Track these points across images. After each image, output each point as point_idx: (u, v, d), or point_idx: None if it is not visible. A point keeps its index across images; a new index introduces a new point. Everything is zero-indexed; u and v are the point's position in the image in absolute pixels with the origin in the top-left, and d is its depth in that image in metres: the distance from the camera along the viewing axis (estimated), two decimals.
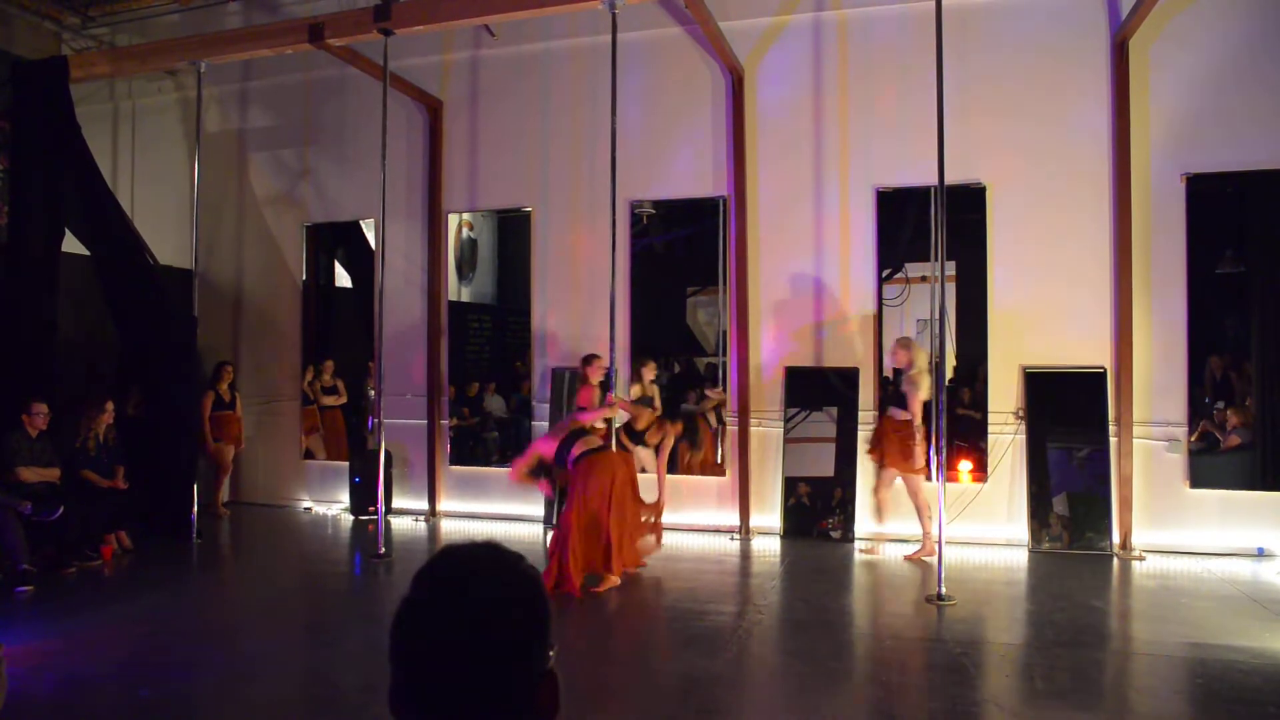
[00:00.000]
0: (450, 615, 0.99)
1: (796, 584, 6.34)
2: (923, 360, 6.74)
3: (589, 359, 7.06)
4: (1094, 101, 7.25)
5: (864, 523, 7.59)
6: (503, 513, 8.56)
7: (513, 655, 1.00)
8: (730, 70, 7.97)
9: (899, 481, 6.87)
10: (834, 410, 7.80)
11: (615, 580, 6.04)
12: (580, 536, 5.95)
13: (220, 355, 9.37)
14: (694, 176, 8.28)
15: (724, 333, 8.26)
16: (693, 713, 3.98)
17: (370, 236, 9.60)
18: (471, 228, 10.71)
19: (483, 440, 9.83)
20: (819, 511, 7.71)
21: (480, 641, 0.98)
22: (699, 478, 8.19)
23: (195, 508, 7.68)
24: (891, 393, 7.24)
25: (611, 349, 6.66)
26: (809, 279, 7.92)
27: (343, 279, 10.60)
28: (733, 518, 7.96)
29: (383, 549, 7.01)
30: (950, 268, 7.88)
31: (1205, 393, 7.50)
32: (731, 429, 8.04)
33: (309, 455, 9.57)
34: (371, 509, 8.50)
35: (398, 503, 8.98)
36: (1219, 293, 7.58)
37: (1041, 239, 7.36)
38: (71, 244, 8.13)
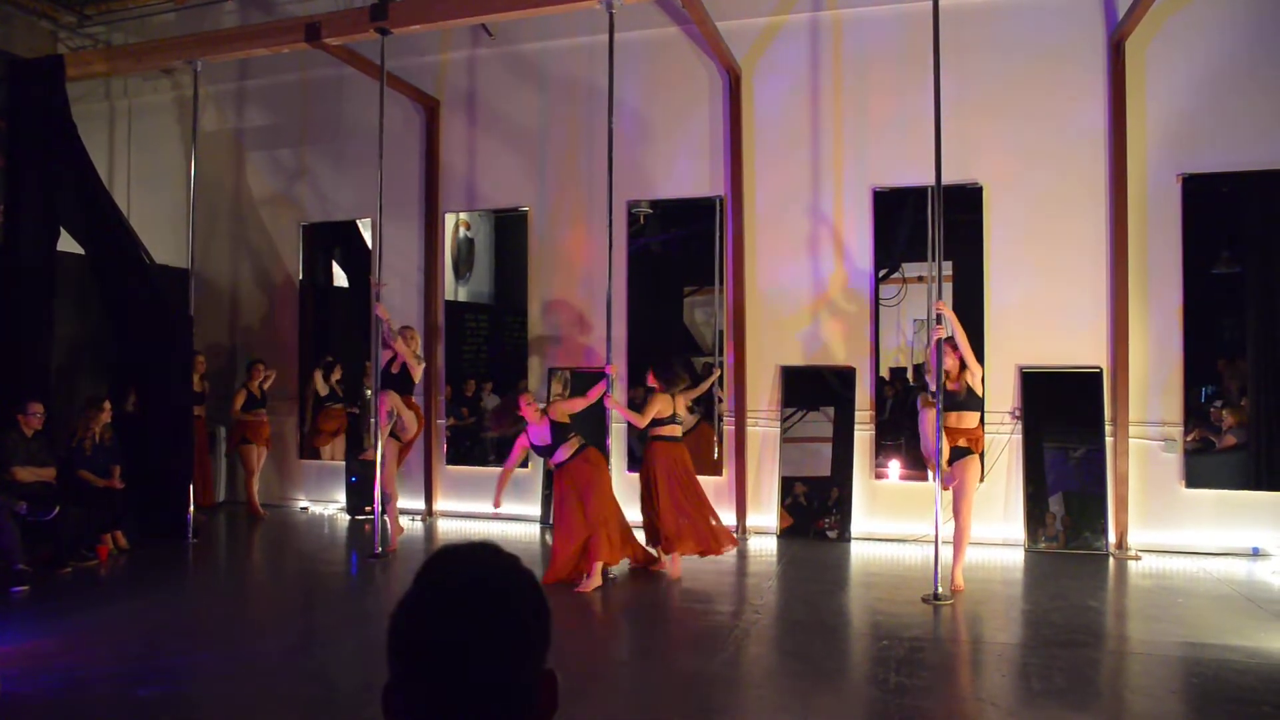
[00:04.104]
0: (453, 614, 0.99)
1: (793, 583, 6.35)
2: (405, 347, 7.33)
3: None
4: (1090, 102, 7.26)
5: (860, 522, 7.62)
6: (499, 513, 8.53)
7: (515, 654, 1.00)
8: (727, 70, 7.97)
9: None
10: (830, 410, 7.81)
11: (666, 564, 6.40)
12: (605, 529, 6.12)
13: (201, 353, 9.27)
14: (691, 176, 8.28)
15: (721, 332, 8.27)
16: (689, 712, 3.98)
17: (367, 236, 9.59)
18: (469, 227, 10.69)
19: (480, 440, 9.82)
20: (816, 511, 7.72)
21: (483, 640, 0.98)
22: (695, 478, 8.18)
23: (191, 507, 7.66)
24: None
25: (608, 349, 6.65)
26: (805, 279, 7.92)
27: (340, 279, 10.59)
28: (729, 517, 7.95)
29: (379, 549, 7.01)
30: (947, 268, 7.87)
31: (1232, 391, 7.45)
32: (728, 429, 8.05)
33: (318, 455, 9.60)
34: (368, 509, 8.49)
35: None
36: (1215, 293, 7.59)
37: (1038, 239, 7.37)
38: (67, 243, 8.10)
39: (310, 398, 9.58)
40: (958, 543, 5.93)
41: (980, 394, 5.92)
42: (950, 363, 5.76)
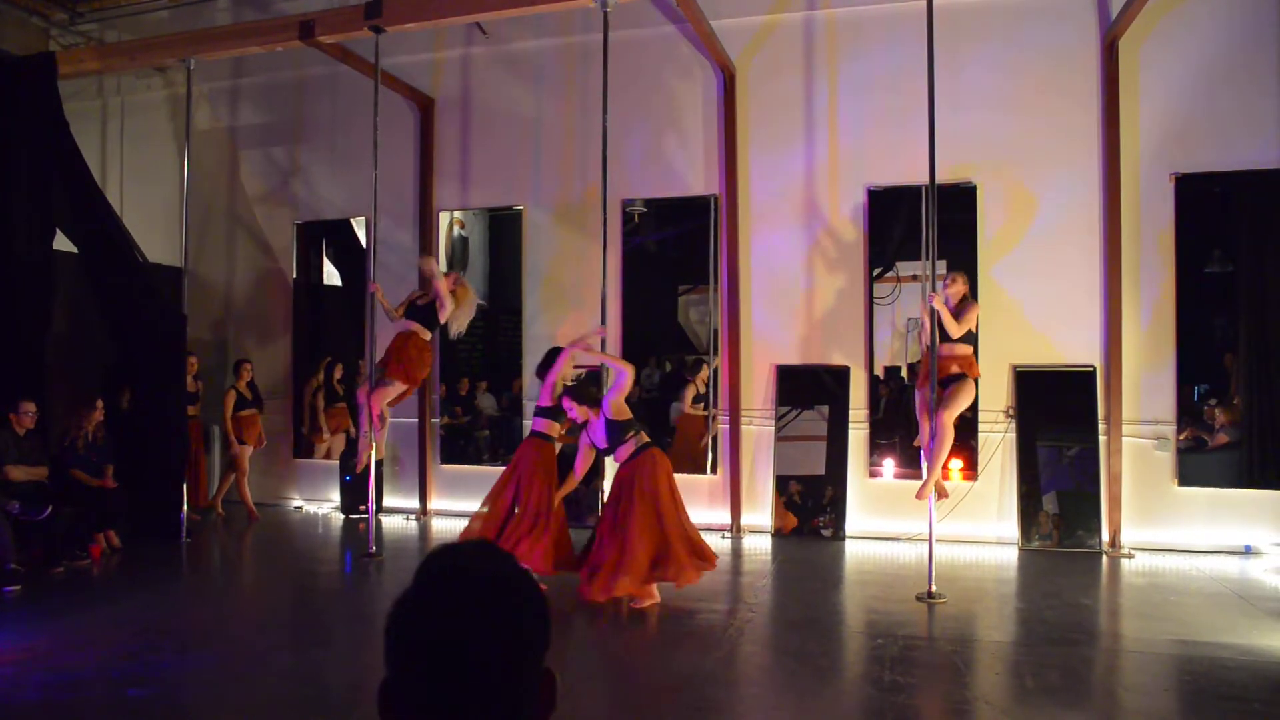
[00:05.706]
0: (453, 612, 0.99)
1: (788, 582, 6.36)
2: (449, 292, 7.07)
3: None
4: (1084, 101, 7.28)
5: (855, 520, 7.64)
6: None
7: (514, 653, 0.99)
8: (722, 69, 7.97)
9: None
10: (825, 409, 7.82)
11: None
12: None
13: (197, 352, 9.24)
14: (685, 175, 8.28)
15: (715, 331, 8.27)
16: (684, 711, 3.98)
17: (361, 234, 9.57)
18: (463, 226, 10.67)
19: (474, 439, 9.80)
20: (810, 510, 7.73)
21: (483, 639, 0.98)
22: (690, 476, 8.18)
23: (185, 507, 7.63)
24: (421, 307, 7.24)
25: (603, 348, 6.65)
26: (800, 278, 7.93)
27: (333, 277, 10.56)
28: (724, 516, 7.97)
29: (373, 548, 7.00)
30: (941, 267, 7.89)
31: (1231, 390, 7.44)
32: (723, 427, 8.05)
33: (326, 455, 9.57)
34: (362, 508, 8.47)
35: (388, 501, 8.97)
36: (1207, 292, 7.61)
37: (1031, 238, 7.38)
38: (60, 241, 8.06)
39: (308, 395, 9.55)
40: (937, 450, 5.77)
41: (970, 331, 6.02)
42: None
